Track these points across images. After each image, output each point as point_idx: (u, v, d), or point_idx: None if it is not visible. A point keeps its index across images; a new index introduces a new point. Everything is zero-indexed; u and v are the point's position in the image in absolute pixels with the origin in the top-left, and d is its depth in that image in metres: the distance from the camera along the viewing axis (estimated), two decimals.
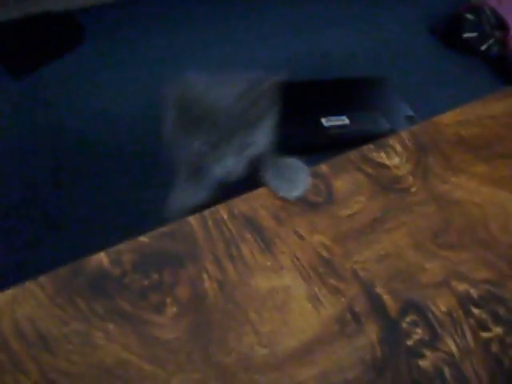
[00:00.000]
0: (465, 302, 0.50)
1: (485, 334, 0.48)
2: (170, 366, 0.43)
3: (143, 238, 0.49)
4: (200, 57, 2.05)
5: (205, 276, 0.48)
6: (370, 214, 0.55)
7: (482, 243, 0.54)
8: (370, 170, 0.59)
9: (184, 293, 0.47)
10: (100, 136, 1.75)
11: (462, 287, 0.51)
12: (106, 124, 1.77)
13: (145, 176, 1.59)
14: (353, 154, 0.60)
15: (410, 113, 1.71)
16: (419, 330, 0.48)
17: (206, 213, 0.51)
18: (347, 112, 1.80)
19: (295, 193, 0.52)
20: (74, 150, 1.72)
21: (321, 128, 1.76)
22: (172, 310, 0.46)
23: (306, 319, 0.47)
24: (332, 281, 0.49)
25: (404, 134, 0.63)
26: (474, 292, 0.51)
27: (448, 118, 0.66)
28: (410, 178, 0.59)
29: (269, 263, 0.49)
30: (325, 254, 0.51)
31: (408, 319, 0.49)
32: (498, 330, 0.49)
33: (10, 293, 0.45)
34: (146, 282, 0.47)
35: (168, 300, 0.46)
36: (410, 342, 0.47)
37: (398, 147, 0.62)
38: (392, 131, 1.43)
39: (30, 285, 0.45)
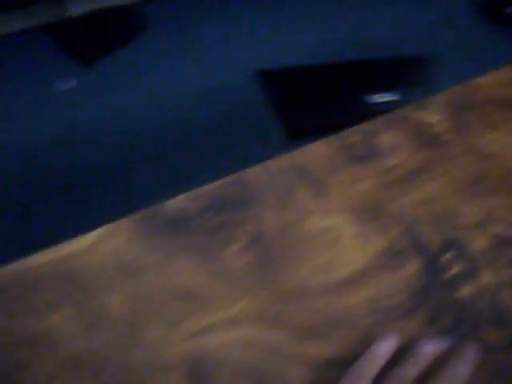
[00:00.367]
0: (500, 241, 0.56)
1: None
2: (237, 291, 0.51)
3: (211, 185, 0.57)
4: (257, 42, 2.11)
5: (265, 216, 0.55)
6: (412, 164, 0.61)
7: None
8: (411, 127, 0.65)
9: (248, 231, 0.54)
10: (164, 119, 1.83)
11: (498, 229, 0.57)
12: (169, 108, 1.85)
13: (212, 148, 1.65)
14: (395, 113, 0.66)
15: None
16: (457, 265, 0.54)
17: (267, 163, 0.59)
18: (395, 90, 1.83)
19: None
20: (141, 133, 1.81)
21: (368, 104, 1.81)
22: (238, 245, 0.53)
23: (355, 253, 0.54)
24: (378, 221, 0.56)
25: (444, 95, 0.68)
26: (509, 233, 0.56)
27: (487, 79, 0.71)
28: (450, 134, 0.64)
29: (321, 206, 0.56)
30: (371, 198, 0.58)
31: (447, 255, 0.55)
32: None
33: (101, 230, 0.53)
34: (214, 222, 0.55)
35: (235, 236, 0.54)
36: (448, 276, 0.54)
37: (438, 106, 0.67)
38: None
39: (117, 223, 0.54)
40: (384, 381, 0.42)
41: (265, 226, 0.54)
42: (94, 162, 1.79)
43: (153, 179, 1.52)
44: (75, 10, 2.19)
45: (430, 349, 0.45)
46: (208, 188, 0.57)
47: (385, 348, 0.46)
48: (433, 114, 0.66)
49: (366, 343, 0.47)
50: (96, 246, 0.52)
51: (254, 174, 0.59)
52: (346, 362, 0.46)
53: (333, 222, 0.55)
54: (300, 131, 1.89)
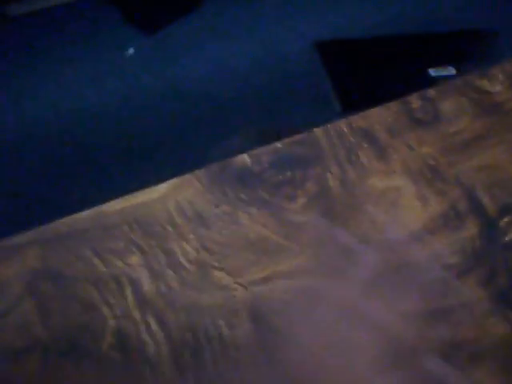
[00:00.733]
0: None
1: None
2: (301, 242, 0.53)
3: (278, 144, 0.60)
4: (315, 15, 2.11)
5: (328, 175, 0.58)
6: (473, 131, 0.62)
7: None
8: (473, 95, 0.66)
9: (312, 187, 0.57)
10: (223, 85, 1.86)
11: None
12: (227, 76, 1.87)
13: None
14: (458, 81, 0.67)
15: None
16: None
17: (330, 126, 0.61)
18: (456, 64, 1.81)
19: None
20: (197, 96, 1.84)
21: (428, 78, 1.79)
22: (302, 200, 0.56)
23: (414, 213, 0.56)
24: (437, 184, 0.58)
25: (506, 65, 0.69)
26: None
27: None
28: (511, 103, 0.65)
29: (383, 168, 0.58)
30: (431, 162, 0.59)
31: (506, 219, 0.56)
32: None
33: (173, 181, 0.56)
34: (280, 177, 0.57)
35: (299, 192, 0.56)
36: (506, 239, 0.55)
37: (501, 76, 0.68)
38: None
39: (188, 176, 0.57)
40: None
41: (327, 184, 0.57)
42: (152, 127, 1.83)
43: (211, 144, 1.55)
44: None
45: None
46: (272, 147, 0.59)
47: None
48: (495, 83, 0.67)
49: (421, 300, 0.49)
50: (166, 196, 0.55)
51: (316, 135, 0.60)
52: (401, 319, 0.48)
53: (393, 184, 0.57)
54: (357, 103, 1.89)
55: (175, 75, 1.91)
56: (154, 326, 0.47)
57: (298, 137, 0.60)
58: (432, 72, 1.79)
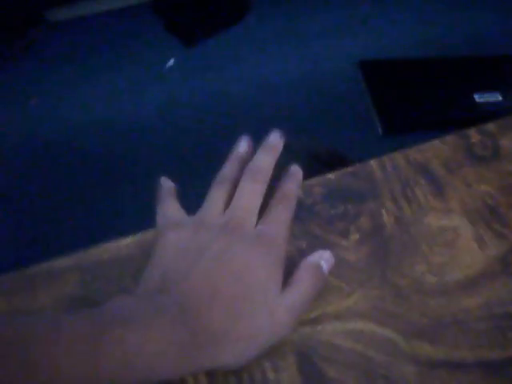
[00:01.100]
0: None
1: None
2: (352, 282, 0.51)
3: (330, 175, 0.57)
4: (358, 33, 2.10)
5: (383, 211, 0.55)
6: None
7: None
8: None
9: (365, 223, 0.54)
10: (261, 100, 1.85)
11: None
12: (266, 90, 1.86)
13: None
14: None
15: None
16: None
17: (385, 158, 0.58)
18: (501, 89, 1.78)
19: None
20: (235, 110, 1.84)
21: (473, 104, 1.76)
22: (355, 236, 0.53)
23: (471, 256, 0.52)
24: (497, 226, 0.55)
25: None
26: None
27: None
28: None
29: (439, 205, 0.56)
30: (490, 202, 0.56)
31: None
32: None
33: None
34: (332, 212, 0.55)
35: (352, 228, 0.54)
36: None
37: None
38: None
39: None
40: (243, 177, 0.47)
41: (381, 220, 0.54)
42: (188, 140, 1.82)
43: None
44: None
45: (275, 138, 0.53)
46: (324, 178, 0.57)
47: (243, 148, 0.53)
48: None
49: (476, 349, 0.46)
50: None
51: (371, 166, 0.58)
52: (453, 365, 0.46)
53: (450, 223, 0.54)
54: (398, 126, 1.86)
55: (214, 89, 1.91)
56: None
57: (351, 168, 0.58)
58: (477, 97, 1.76)
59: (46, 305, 0.49)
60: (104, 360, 0.36)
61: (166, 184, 0.51)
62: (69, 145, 1.90)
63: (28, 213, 1.75)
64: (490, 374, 0.46)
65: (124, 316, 0.39)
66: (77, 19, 2.29)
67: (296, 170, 0.50)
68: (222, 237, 0.41)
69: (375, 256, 0.51)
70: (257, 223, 0.44)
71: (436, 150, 0.60)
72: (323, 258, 0.45)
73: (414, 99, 2.00)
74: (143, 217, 1.48)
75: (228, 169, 0.49)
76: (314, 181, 0.56)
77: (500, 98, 1.88)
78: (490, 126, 0.63)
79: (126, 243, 0.52)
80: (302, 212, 0.54)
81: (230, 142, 1.56)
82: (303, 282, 0.43)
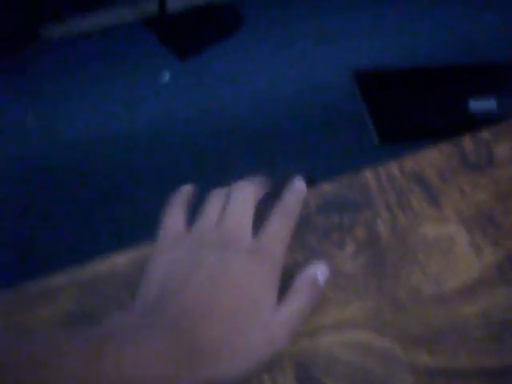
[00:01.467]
0: None
1: None
2: (349, 293, 0.51)
3: (325, 186, 0.57)
4: (352, 44, 2.11)
5: (379, 221, 0.55)
6: None
7: None
8: None
9: (361, 233, 0.54)
10: (257, 112, 1.85)
11: None
12: (261, 103, 1.87)
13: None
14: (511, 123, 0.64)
15: None
16: None
17: (379, 168, 0.58)
18: (495, 96, 1.79)
19: None
20: (230, 124, 1.84)
21: (467, 111, 1.77)
22: (351, 247, 0.53)
23: (468, 264, 0.53)
24: (492, 233, 0.55)
25: None
26: None
27: None
28: None
29: (435, 214, 0.56)
30: (485, 209, 0.56)
31: None
32: None
33: None
34: (328, 223, 0.55)
35: (347, 238, 0.54)
36: None
37: None
38: None
39: None
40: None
41: (377, 230, 0.54)
42: (184, 153, 1.82)
43: (246, 173, 1.53)
44: (174, 6, 2.23)
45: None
46: (318, 190, 0.57)
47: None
48: None
49: (474, 357, 0.46)
50: None
51: (366, 177, 0.58)
52: (452, 374, 0.46)
53: (446, 231, 0.54)
54: (395, 135, 1.87)
55: (208, 102, 1.91)
56: None
57: (346, 179, 0.58)
58: (472, 104, 1.76)
59: (43, 321, 0.48)
60: (100, 378, 0.36)
61: (183, 190, 0.51)
62: (64, 160, 1.90)
63: (23, 228, 1.75)
64: (489, 382, 0.46)
65: (119, 334, 0.39)
66: (71, 36, 2.29)
67: (300, 186, 0.51)
68: (216, 252, 0.41)
69: (372, 266, 0.51)
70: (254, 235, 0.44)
71: (430, 159, 0.60)
72: (319, 270, 0.44)
73: (409, 108, 2.01)
74: (139, 231, 1.47)
75: (227, 188, 0.49)
76: (308, 192, 0.56)
77: (494, 106, 1.89)
78: (484, 134, 0.63)
79: (122, 259, 0.52)
80: (298, 224, 0.53)
81: (226, 156, 1.57)
82: (299, 295, 0.43)
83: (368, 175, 0.59)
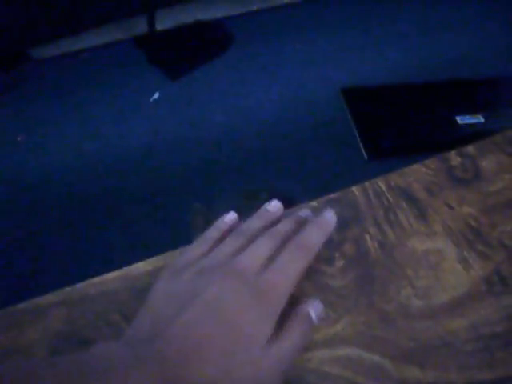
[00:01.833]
0: None
1: None
2: (339, 309, 0.51)
3: (314, 203, 0.58)
4: (340, 62, 2.13)
5: (367, 237, 0.55)
6: None
7: None
8: None
9: (350, 249, 0.55)
10: (247, 130, 1.86)
11: None
12: (251, 121, 1.88)
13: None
14: (497, 137, 0.65)
15: None
16: None
17: (367, 184, 0.59)
18: (482, 111, 1.81)
19: None
20: (221, 142, 1.84)
21: (455, 126, 1.78)
22: (340, 262, 0.54)
23: (456, 278, 0.53)
24: (480, 247, 0.55)
25: None
26: None
27: None
28: None
29: (423, 229, 0.56)
30: (473, 223, 0.57)
31: None
32: None
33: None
34: None
35: (336, 254, 0.54)
36: None
37: None
38: None
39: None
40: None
41: (365, 246, 0.54)
42: (174, 172, 1.83)
43: (234, 191, 1.54)
44: (163, 25, 2.25)
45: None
46: (306, 206, 0.57)
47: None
48: None
49: (464, 371, 0.46)
50: None
51: (354, 193, 0.58)
52: None
53: (434, 246, 0.55)
54: (383, 150, 1.88)
55: (199, 121, 1.92)
56: None
57: (334, 195, 0.58)
58: (459, 119, 1.78)
59: (34, 341, 0.48)
60: None
61: (225, 218, 0.50)
62: (56, 180, 1.89)
63: (13, 249, 1.74)
64: None
65: (104, 365, 0.37)
66: (61, 56, 2.30)
67: (328, 220, 0.49)
68: (219, 281, 0.39)
69: (361, 282, 0.52)
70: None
71: (417, 174, 0.61)
72: (312, 307, 0.43)
73: (397, 124, 2.02)
74: (130, 250, 1.47)
75: (250, 224, 0.48)
76: (297, 208, 0.57)
77: (482, 120, 1.90)
78: (470, 149, 0.64)
79: (112, 278, 0.52)
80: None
81: (215, 173, 1.57)
82: (291, 334, 0.41)
83: (356, 191, 0.59)
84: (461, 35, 2.33)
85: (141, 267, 0.52)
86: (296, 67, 2.22)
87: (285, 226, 0.47)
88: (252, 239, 0.44)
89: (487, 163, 0.63)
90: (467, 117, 1.87)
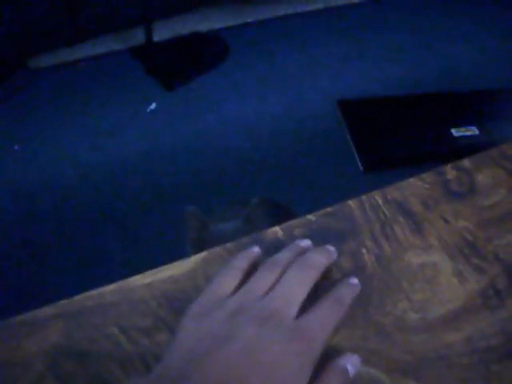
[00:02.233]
0: None
1: None
2: None
3: (310, 217, 0.58)
4: (336, 74, 2.14)
5: (363, 250, 0.56)
6: (510, 204, 0.61)
7: None
8: (509, 166, 0.64)
9: (346, 263, 0.55)
10: (243, 141, 1.87)
11: None
12: (247, 132, 1.88)
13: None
14: (493, 151, 0.66)
15: None
16: None
17: (363, 197, 0.59)
18: (477, 123, 1.82)
19: None
20: (217, 153, 1.85)
21: (450, 138, 1.79)
22: (336, 276, 0.54)
23: (452, 292, 0.53)
24: (475, 260, 0.56)
25: None
26: None
27: None
28: None
29: (419, 242, 0.56)
30: (468, 237, 0.57)
31: None
32: None
33: (202, 255, 0.55)
34: None
35: (333, 268, 0.54)
36: None
37: None
38: None
39: (218, 249, 0.55)
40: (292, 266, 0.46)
41: (362, 259, 0.55)
42: (170, 182, 1.83)
43: (230, 200, 1.55)
44: (161, 36, 2.25)
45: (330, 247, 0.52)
46: (304, 219, 0.58)
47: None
48: None
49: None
50: (196, 270, 0.54)
51: (350, 207, 0.59)
52: None
53: (430, 259, 0.55)
54: (379, 162, 1.88)
55: (195, 132, 1.93)
56: None
57: (330, 209, 0.59)
58: (454, 132, 1.79)
59: (31, 354, 0.48)
60: None
61: (248, 251, 0.50)
62: (52, 189, 1.89)
63: (9, 259, 1.74)
64: None
65: None
66: (58, 66, 2.31)
67: (356, 283, 0.49)
68: (256, 324, 0.39)
69: (357, 295, 0.52)
70: (299, 315, 0.42)
71: (413, 188, 0.62)
72: (350, 362, 0.42)
73: (393, 136, 2.03)
74: (127, 260, 1.47)
75: (282, 255, 0.48)
76: (294, 222, 0.57)
77: (477, 132, 1.91)
78: (465, 163, 0.64)
79: (109, 290, 0.53)
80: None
81: (211, 184, 1.57)
82: None
83: (352, 205, 0.60)
84: (457, 48, 2.35)
85: (138, 280, 0.53)
86: (292, 78, 2.23)
87: (313, 258, 0.48)
88: (283, 272, 0.45)
89: (483, 177, 0.63)
90: (462, 129, 1.88)
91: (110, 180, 1.85)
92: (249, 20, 2.39)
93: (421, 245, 0.56)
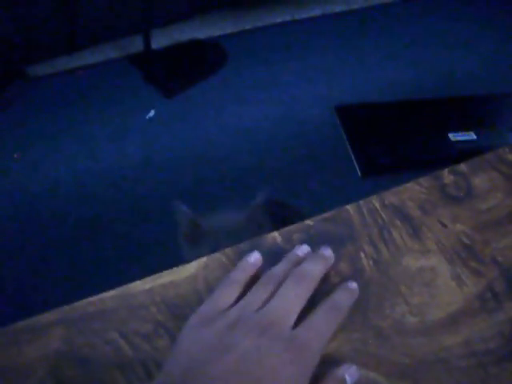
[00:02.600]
0: None
1: None
2: None
3: (309, 222, 0.58)
4: (334, 79, 2.14)
5: (362, 254, 0.56)
6: (507, 208, 0.61)
7: None
8: (505, 170, 0.65)
9: (345, 267, 0.55)
10: (241, 148, 1.87)
11: None
12: (245, 138, 1.89)
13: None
14: (490, 155, 0.66)
15: None
16: None
17: (361, 202, 0.60)
18: (474, 128, 1.82)
19: None
20: (216, 159, 1.85)
21: (448, 143, 1.80)
22: (335, 280, 0.54)
23: (450, 295, 0.54)
24: (473, 264, 0.56)
25: None
26: None
27: None
28: None
29: (416, 246, 0.57)
30: (466, 240, 0.58)
31: None
32: None
33: (202, 260, 0.55)
34: None
35: (332, 272, 0.55)
36: None
37: None
38: None
39: (218, 255, 0.55)
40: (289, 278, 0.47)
41: (360, 264, 0.55)
42: (169, 190, 1.83)
43: (229, 207, 1.55)
44: (159, 43, 2.26)
45: (326, 251, 0.53)
46: (303, 224, 0.58)
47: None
48: None
49: None
50: (195, 276, 0.54)
51: (348, 212, 0.59)
52: None
53: (428, 263, 0.55)
54: (377, 167, 1.89)
55: (194, 138, 1.93)
56: None
57: (329, 214, 0.59)
58: (452, 137, 1.79)
59: (32, 360, 0.49)
60: None
61: (249, 258, 0.51)
62: (51, 197, 1.90)
63: (9, 267, 1.74)
64: None
65: None
66: (57, 74, 2.31)
67: (354, 287, 0.50)
68: (253, 335, 0.40)
69: (356, 299, 0.52)
70: (296, 325, 0.43)
71: (411, 192, 0.62)
72: (348, 373, 0.43)
73: (390, 141, 2.04)
74: (126, 267, 1.47)
75: (279, 268, 0.49)
76: (292, 227, 0.58)
77: (474, 137, 1.92)
78: (463, 167, 0.65)
79: (110, 296, 0.53)
80: (282, 258, 0.54)
81: (210, 191, 1.58)
82: None
83: (350, 210, 0.60)
84: (454, 53, 2.35)
85: (138, 286, 0.53)
86: (290, 85, 2.23)
87: (309, 268, 0.48)
88: (280, 285, 0.46)
89: (480, 181, 0.64)
90: (459, 134, 1.88)
91: (109, 188, 1.85)
92: (247, 27, 2.40)
93: (419, 249, 0.57)
